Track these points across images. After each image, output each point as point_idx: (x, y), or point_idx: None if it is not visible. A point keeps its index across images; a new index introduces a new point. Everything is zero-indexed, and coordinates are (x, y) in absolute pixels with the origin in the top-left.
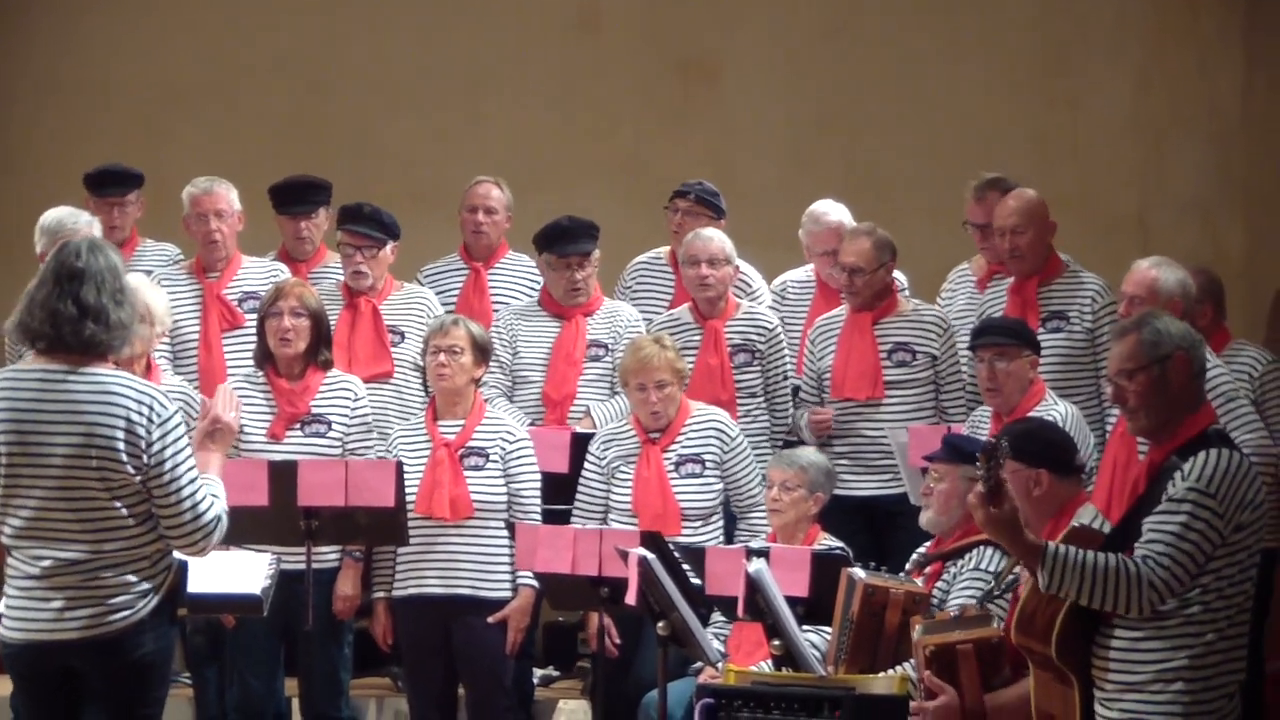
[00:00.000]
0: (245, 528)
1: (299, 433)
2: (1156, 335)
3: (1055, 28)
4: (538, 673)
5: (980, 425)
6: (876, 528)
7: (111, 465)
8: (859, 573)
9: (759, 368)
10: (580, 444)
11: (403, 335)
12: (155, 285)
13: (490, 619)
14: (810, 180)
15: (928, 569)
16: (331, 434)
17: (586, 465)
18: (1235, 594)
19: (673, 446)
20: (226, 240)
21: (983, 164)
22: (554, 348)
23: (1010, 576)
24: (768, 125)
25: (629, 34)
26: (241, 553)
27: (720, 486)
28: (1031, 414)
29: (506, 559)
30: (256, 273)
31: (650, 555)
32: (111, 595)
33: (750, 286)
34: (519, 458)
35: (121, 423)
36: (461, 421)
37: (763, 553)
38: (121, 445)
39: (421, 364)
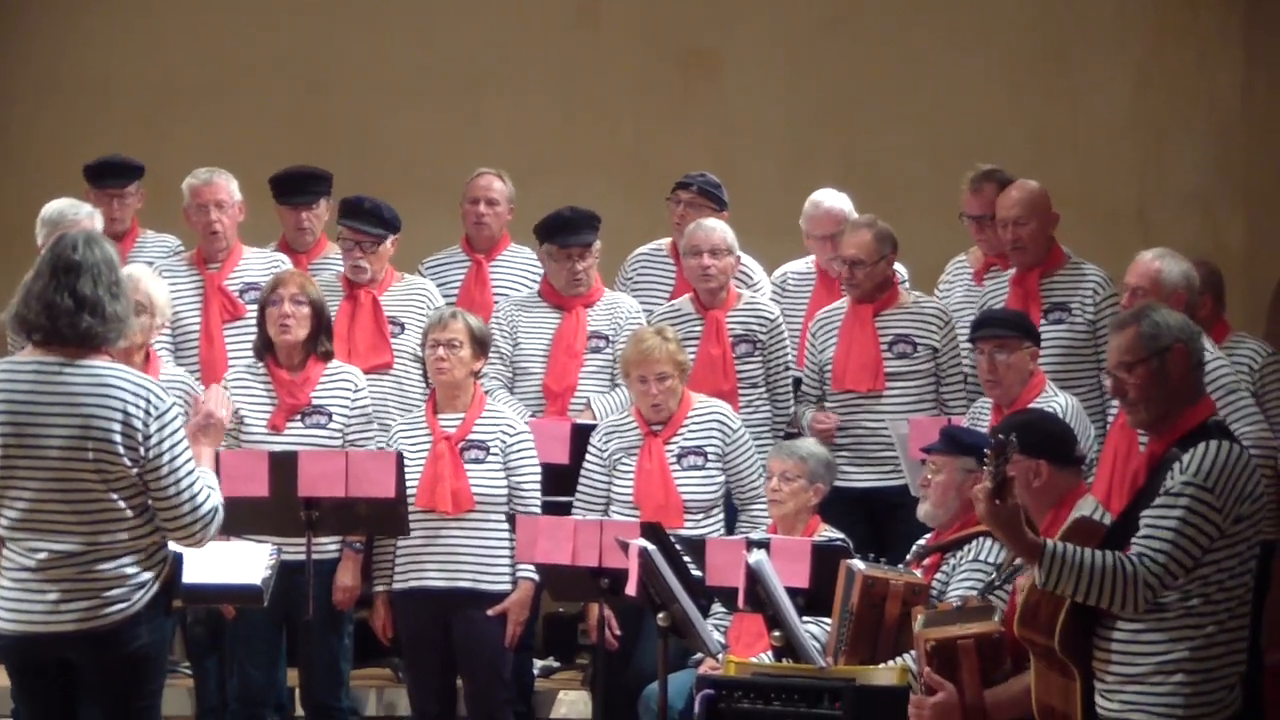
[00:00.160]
0: (246, 518)
1: (299, 424)
2: (1155, 328)
3: (1055, 24)
4: (538, 664)
5: (981, 417)
6: (877, 519)
7: (108, 458)
8: (859, 564)
9: (760, 358)
10: (581, 435)
11: (403, 326)
12: (156, 276)
13: (490, 612)
14: (810, 174)
15: (927, 560)
16: (332, 425)
17: (588, 457)
18: (1236, 586)
19: (675, 439)
20: (227, 231)
21: (983, 158)
22: (554, 339)
23: (1010, 568)
24: (768, 119)
25: (629, 28)
26: (242, 544)
27: (722, 479)
28: (1032, 406)
29: (507, 552)
30: (257, 264)
31: (650, 546)
32: (107, 588)
33: (751, 278)
34: (519, 450)
35: (118, 415)
36: (462, 415)
37: (763, 544)
38: (118, 438)
39: (421, 355)
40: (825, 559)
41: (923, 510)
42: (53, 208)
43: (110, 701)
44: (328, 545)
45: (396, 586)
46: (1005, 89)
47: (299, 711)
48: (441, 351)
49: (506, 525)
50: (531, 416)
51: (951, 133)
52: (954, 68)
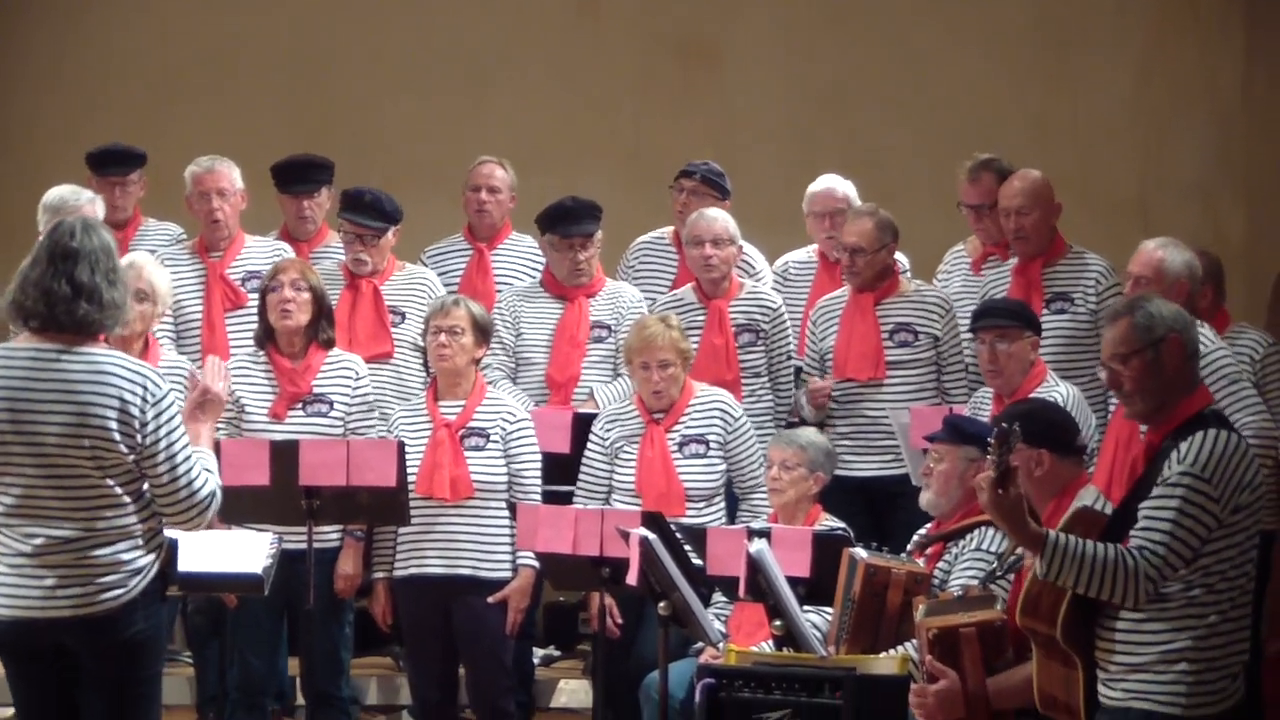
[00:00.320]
0: (247, 507)
1: (300, 412)
2: (1149, 319)
3: (1057, 14)
4: (538, 653)
5: (982, 406)
6: (877, 508)
7: (104, 444)
8: (860, 553)
9: (763, 347)
10: (582, 424)
11: (403, 316)
12: (159, 264)
13: (490, 599)
14: (810, 164)
15: (929, 549)
16: (333, 413)
17: (589, 445)
18: (1237, 575)
19: (676, 427)
20: (229, 219)
21: (983, 147)
22: (557, 329)
23: (1012, 557)
24: (768, 110)
25: (629, 17)
26: (243, 532)
27: (724, 468)
28: (1033, 395)
29: (507, 539)
30: (259, 252)
31: (651, 535)
32: (103, 573)
33: (753, 267)
34: (519, 438)
35: (115, 402)
36: (462, 402)
37: (764, 533)
38: (115, 425)
39: (422, 345)
40: (826, 548)
41: (925, 499)
42: (54, 194)
43: (108, 688)
44: (329, 534)
45: (397, 573)
46: (1006, 77)
47: (300, 700)
48: (443, 338)
49: (507, 513)
50: (535, 406)
51: (952, 121)
52: (955, 59)
